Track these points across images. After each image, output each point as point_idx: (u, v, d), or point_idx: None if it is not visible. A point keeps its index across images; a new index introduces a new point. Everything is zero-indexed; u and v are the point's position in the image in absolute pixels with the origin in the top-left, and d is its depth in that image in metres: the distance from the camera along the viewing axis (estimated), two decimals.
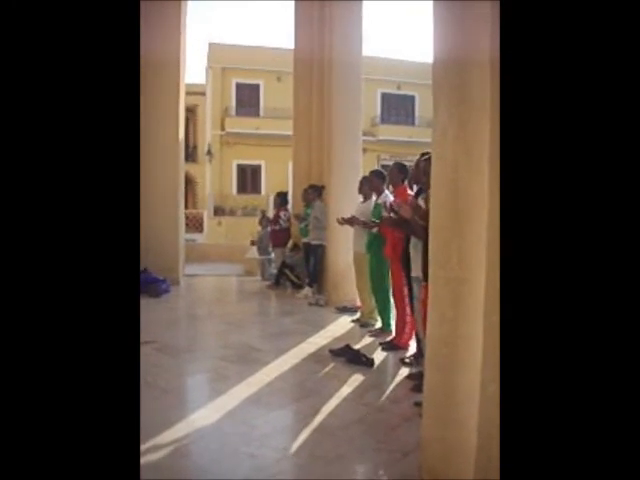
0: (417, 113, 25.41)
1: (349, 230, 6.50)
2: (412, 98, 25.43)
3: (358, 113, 7.79)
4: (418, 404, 3.76)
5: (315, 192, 8.06)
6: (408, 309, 5.23)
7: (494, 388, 1.80)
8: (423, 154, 4.26)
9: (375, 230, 5.70)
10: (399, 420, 3.58)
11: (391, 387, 4.28)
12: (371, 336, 5.82)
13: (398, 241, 4.91)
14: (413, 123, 25.07)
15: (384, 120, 24.66)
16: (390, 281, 5.61)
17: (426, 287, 3.57)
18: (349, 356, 4.88)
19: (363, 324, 6.30)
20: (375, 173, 5.97)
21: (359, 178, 6.63)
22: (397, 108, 25.22)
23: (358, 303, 6.89)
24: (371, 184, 6.01)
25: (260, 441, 3.19)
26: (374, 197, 6.10)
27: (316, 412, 3.64)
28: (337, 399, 3.92)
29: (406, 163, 5.51)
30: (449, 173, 2.43)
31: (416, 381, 4.22)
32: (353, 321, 6.51)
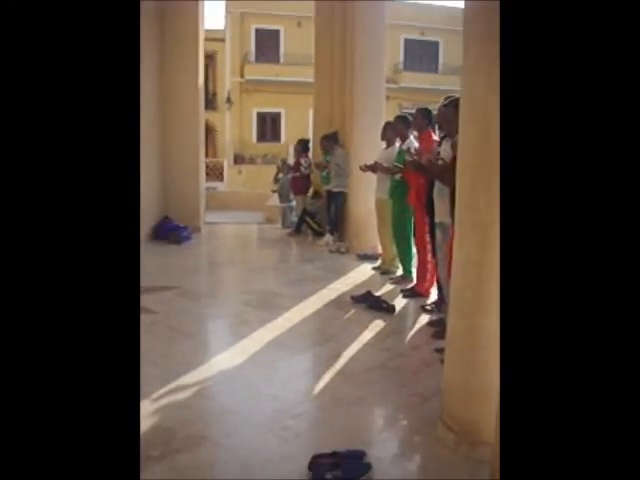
0: (441, 60, 24.73)
1: (371, 177, 6.39)
2: (436, 44, 24.71)
3: (381, 59, 7.54)
4: (439, 350, 3.77)
5: (331, 140, 7.93)
6: (430, 256, 5.18)
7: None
8: (446, 99, 4.13)
9: (398, 176, 5.59)
10: (420, 365, 3.59)
11: (412, 333, 4.28)
12: (392, 283, 5.79)
13: (422, 188, 4.81)
14: (436, 70, 24.43)
15: (407, 67, 24.04)
16: (412, 228, 5.55)
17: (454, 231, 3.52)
18: (370, 302, 4.88)
19: (384, 271, 6.27)
20: (399, 118, 5.83)
21: (382, 125, 6.48)
22: (420, 55, 24.54)
23: (379, 251, 6.84)
24: (395, 129, 5.88)
25: (282, 384, 3.23)
26: (397, 143, 5.97)
27: (338, 356, 3.67)
28: (358, 344, 3.94)
29: (430, 109, 5.36)
30: (479, 112, 2.34)
31: (437, 328, 4.23)
32: (374, 268, 6.48)
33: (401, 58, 24.00)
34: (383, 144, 6.35)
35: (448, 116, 3.83)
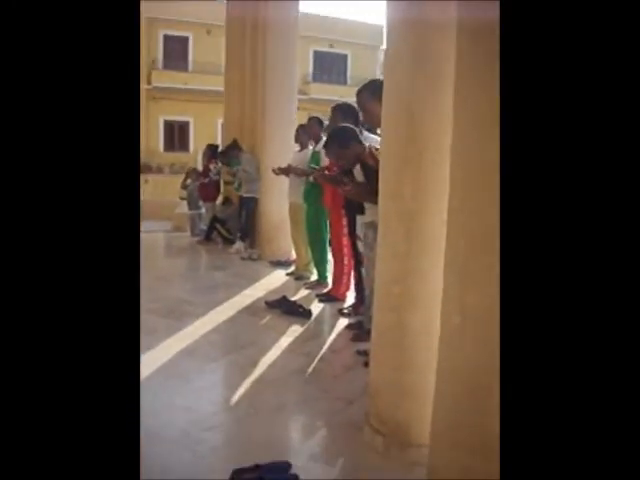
0: (349, 72, 25.16)
1: (284, 182, 6.25)
2: (345, 57, 25.14)
3: (293, 66, 7.47)
4: (360, 353, 3.66)
5: (233, 149, 7.82)
6: (346, 259, 5.09)
7: (459, 320, 1.65)
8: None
9: (312, 179, 5.47)
10: (341, 369, 3.45)
11: (331, 337, 4.14)
12: (307, 288, 5.65)
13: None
14: (345, 82, 24.80)
15: (316, 78, 24.26)
16: (328, 231, 5.44)
17: None
18: (286, 307, 4.70)
19: (298, 277, 6.12)
20: (314, 120, 5.72)
21: (295, 129, 6.37)
22: (329, 67, 24.86)
23: (293, 256, 6.69)
24: (308, 132, 5.76)
25: (196, 394, 2.98)
26: (311, 146, 5.87)
27: (254, 363, 3.45)
28: (276, 350, 3.75)
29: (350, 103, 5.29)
30: (403, 95, 2.24)
31: (356, 330, 4.12)
32: (288, 274, 6.31)
33: (310, 70, 24.17)
34: (296, 147, 6.23)
35: (368, 106, 3.68)
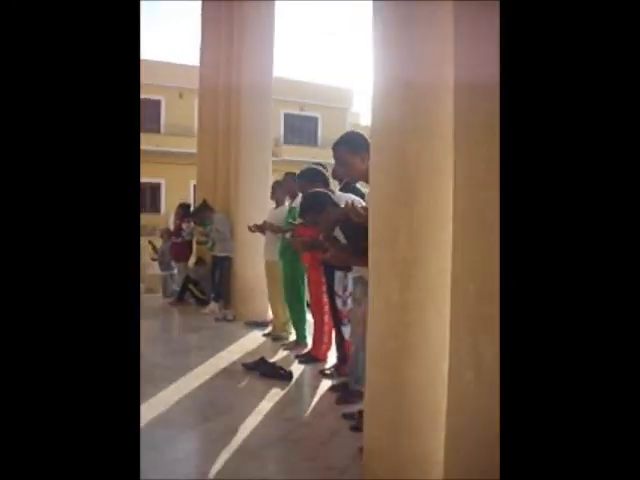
0: (319, 134, 25.56)
1: (259, 240, 6.10)
2: (315, 119, 25.59)
3: (267, 127, 7.49)
4: (346, 416, 3.43)
5: (205, 210, 7.69)
6: (326, 318, 4.89)
7: (472, 374, 1.47)
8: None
9: (289, 236, 5.33)
10: (327, 434, 3.20)
11: (314, 401, 3.89)
12: (286, 349, 5.39)
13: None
14: (316, 144, 25.14)
15: (287, 140, 24.55)
16: (306, 290, 5.26)
17: None
18: (264, 370, 4.45)
19: (276, 337, 5.86)
20: (289, 176, 5.63)
21: (270, 186, 6.28)
22: (300, 129, 25.24)
23: (269, 316, 6.46)
24: (286, 187, 5.66)
25: (170, 467, 2.70)
26: (287, 202, 5.76)
27: (234, 431, 3.19)
28: (256, 416, 3.48)
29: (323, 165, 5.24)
30: (394, 138, 2.13)
31: (340, 393, 3.89)
32: (265, 335, 6.05)
33: (281, 132, 24.47)
34: (272, 204, 6.11)
35: (346, 159, 3.54)
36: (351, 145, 3.35)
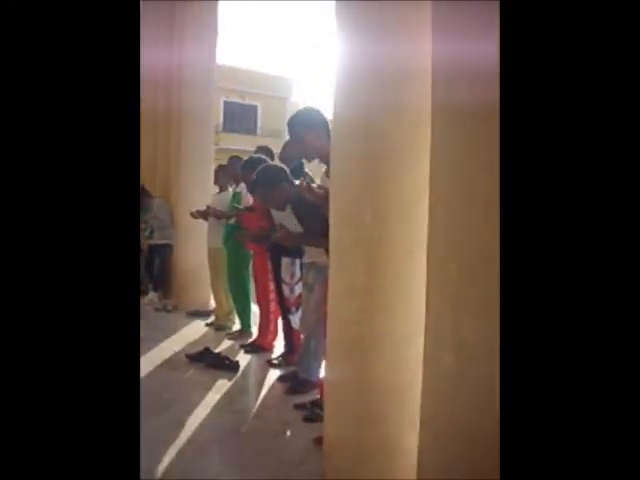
0: (259, 123, 25.27)
1: (202, 226, 5.89)
2: (255, 108, 25.26)
3: (209, 113, 7.31)
4: (298, 407, 3.32)
5: (142, 197, 7.33)
6: (272, 306, 4.76)
7: (452, 358, 1.38)
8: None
9: (234, 221, 5.15)
10: (280, 427, 3.08)
11: (263, 391, 3.76)
12: (230, 339, 5.22)
13: (264, 230, 4.41)
14: (255, 133, 24.83)
15: (226, 129, 24.10)
16: (250, 277, 5.11)
17: None
18: (210, 360, 4.28)
19: (219, 327, 5.68)
20: (234, 160, 5.44)
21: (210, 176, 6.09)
22: (240, 117, 24.85)
23: (212, 305, 6.27)
24: (229, 173, 5.47)
25: None
26: (230, 188, 5.58)
27: (181, 425, 3.02)
28: (204, 408, 3.32)
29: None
30: (360, 113, 2.01)
31: (290, 383, 3.78)
32: (208, 325, 5.86)
33: (221, 120, 23.99)
34: (216, 189, 5.91)
35: (303, 132, 3.38)
36: (307, 121, 3.21)
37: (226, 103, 24.17)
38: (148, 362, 4.31)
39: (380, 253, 1.96)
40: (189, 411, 3.24)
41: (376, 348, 1.98)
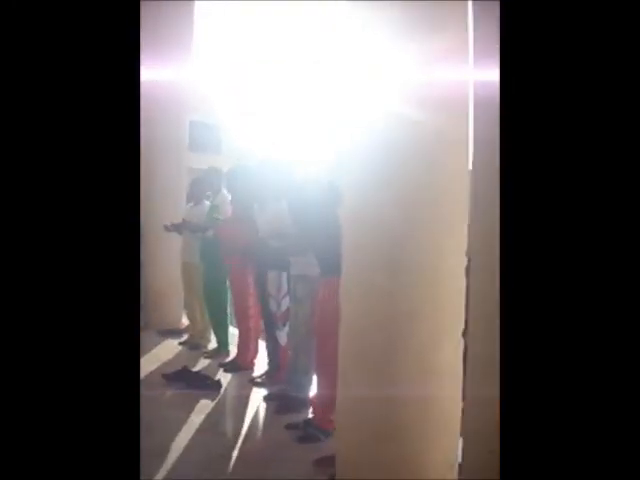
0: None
1: (172, 241, 5.62)
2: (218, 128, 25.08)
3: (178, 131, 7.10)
4: (290, 427, 3.10)
5: None
6: (252, 322, 4.54)
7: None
8: None
9: (211, 234, 4.92)
10: (273, 448, 2.86)
11: (249, 412, 3.52)
12: (207, 358, 4.95)
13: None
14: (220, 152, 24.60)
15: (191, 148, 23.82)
16: (228, 292, 4.88)
17: (326, 283, 2.95)
18: (189, 380, 4.01)
19: (194, 346, 5.39)
20: (212, 171, 5.22)
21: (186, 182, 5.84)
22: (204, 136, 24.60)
23: (184, 323, 5.99)
24: (209, 183, 5.23)
25: None
26: (207, 201, 5.35)
27: (165, 451, 2.76)
28: (187, 432, 3.07)
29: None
30: None
31: (278, 402, 3.55)
32: (181, 343, 5.55)
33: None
34: (190, 203, 5.65)
35: None
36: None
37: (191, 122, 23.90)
38: None
39: (405, 253, 1.79)
40: (172, 436, 2.98)
41: (398, 357, 1.80)
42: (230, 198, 4.81)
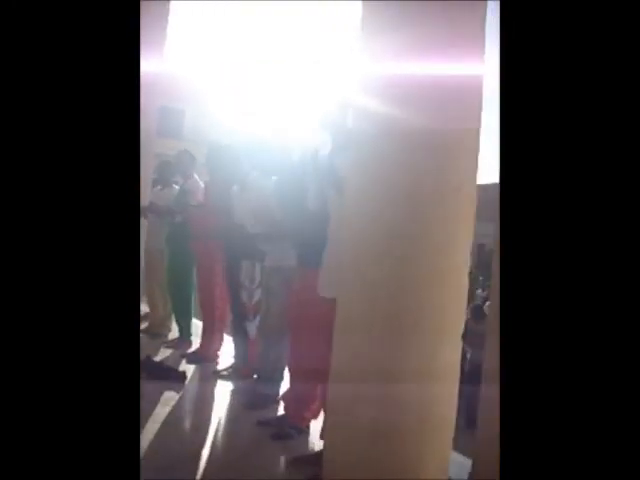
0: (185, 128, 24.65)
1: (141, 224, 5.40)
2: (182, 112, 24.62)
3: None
4: (262, 423, 2.97)
5: None
6: (218, 313, 4.40)
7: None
8: None
9: (179, 220, 4.73)
10: (246, 445, 2.72)
11: (217, 405, 3.39)
12: (168, 347, 4.78)
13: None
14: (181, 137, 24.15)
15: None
16: (194, 280, 4.72)
17: (304, 274, 2.83)
18: (152, 370, 3.83)
19: (154, 334, 5.19)
20: (185, 154, 5.01)
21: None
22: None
23: (143, 310, 5.77)
24: (181, 166, 5.01)
25: None
26: (176, 185, 5.16)
27: None
28: (153, 425, 2.89)
29: None
30: None
31: (248, 397, 3.42)
32: (141, 331, 5.35)
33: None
34: (157, 186, 5.43)
35: None
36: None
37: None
38: None
39: (408, 249, 1.72)
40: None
41: (398, 354, 1.73)
42: (203, 182, 4.65)
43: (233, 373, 3.95)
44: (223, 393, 3.59)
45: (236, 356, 4.07)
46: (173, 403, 3.30)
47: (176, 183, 5.21)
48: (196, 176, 4.91)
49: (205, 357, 4.39)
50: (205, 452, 2.62)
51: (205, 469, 2.43)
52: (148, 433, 2.76)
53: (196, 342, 4.65)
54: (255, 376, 3.61)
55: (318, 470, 2.04)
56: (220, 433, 2.89)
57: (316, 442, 2.74)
